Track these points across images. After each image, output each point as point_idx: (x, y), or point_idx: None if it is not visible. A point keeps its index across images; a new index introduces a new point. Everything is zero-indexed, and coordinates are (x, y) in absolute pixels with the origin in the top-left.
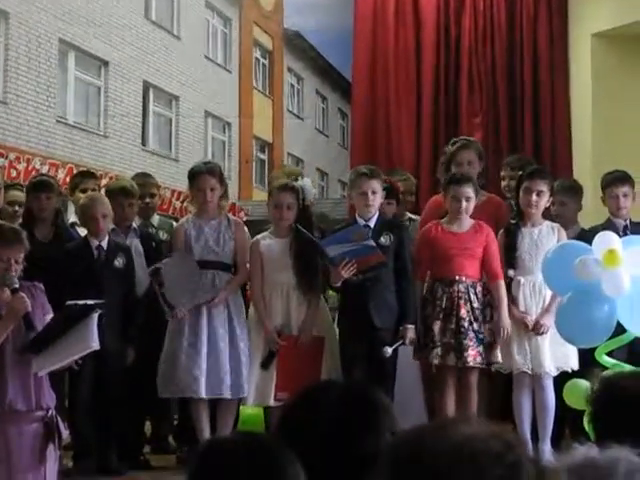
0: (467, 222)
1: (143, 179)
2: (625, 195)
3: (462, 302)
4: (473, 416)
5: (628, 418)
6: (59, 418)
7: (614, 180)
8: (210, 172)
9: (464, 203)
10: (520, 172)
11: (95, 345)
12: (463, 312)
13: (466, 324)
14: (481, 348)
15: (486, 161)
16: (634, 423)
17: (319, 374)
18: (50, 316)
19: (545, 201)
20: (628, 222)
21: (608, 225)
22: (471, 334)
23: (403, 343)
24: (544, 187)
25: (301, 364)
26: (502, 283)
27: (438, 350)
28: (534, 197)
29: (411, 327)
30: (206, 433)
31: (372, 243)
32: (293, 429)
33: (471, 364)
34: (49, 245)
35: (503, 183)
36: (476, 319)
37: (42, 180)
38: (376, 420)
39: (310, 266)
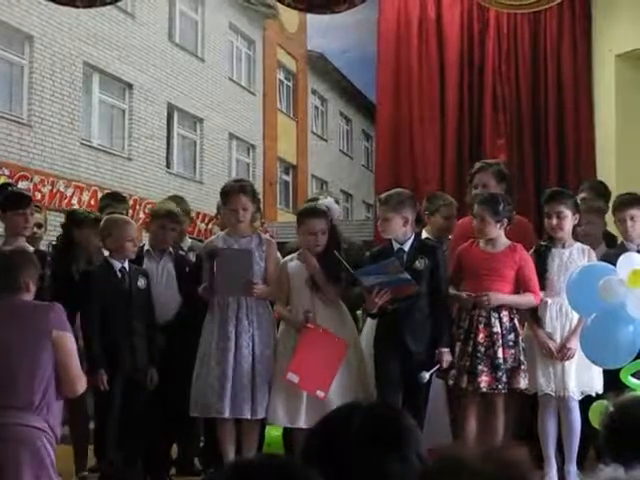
0: (502, 242)
1: (177, 202)
2: None
3: (482, 326)
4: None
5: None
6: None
7: None
8: (242, 190)
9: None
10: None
11: None
12: (481, 337)
13: (482, 349)
14: (500, 373)
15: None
16: None
17: (332, 376)
18: (70, 335)
19: (569, 222)
20: None
21: None
22: (487, 360)
23: (440, 368)
24: (563, 208)
25: (319, 357)
26: (533, 301)
27: (454, 372)
28: (554, 220)
29: (446, 351)
30: (231, 454)
31: (407, 276)
32: (318, 451)
33: (484, 390)
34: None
35: None
36: (494, 344)
37: (96, 217)
38: (402, 442)
39: (334, 274)
